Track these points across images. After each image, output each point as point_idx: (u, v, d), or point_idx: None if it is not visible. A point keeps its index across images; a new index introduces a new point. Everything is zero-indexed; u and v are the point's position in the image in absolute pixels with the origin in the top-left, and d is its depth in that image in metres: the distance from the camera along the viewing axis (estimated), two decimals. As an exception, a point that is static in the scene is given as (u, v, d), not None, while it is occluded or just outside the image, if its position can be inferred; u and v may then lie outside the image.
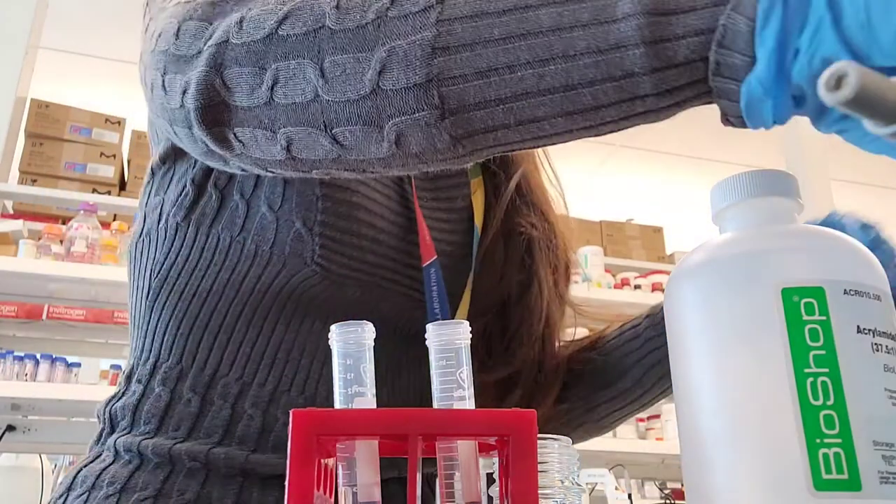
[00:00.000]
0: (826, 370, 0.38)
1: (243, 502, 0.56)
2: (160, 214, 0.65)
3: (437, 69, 0.41)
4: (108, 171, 2.99)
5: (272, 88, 0.47)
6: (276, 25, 0.47)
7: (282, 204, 0.60)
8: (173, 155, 0.66)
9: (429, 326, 0.37)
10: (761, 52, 0.35)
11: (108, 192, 2.91)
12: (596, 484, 2.42)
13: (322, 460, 0.36)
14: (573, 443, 0.43)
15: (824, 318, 0.39)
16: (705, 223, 0.48)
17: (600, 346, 0.75)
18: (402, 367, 0.66)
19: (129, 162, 3.12)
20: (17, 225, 2.49)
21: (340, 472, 0.35)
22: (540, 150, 0.77)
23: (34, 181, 2.87)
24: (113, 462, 0.59)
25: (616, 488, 2.52)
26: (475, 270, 0.71)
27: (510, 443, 0.34)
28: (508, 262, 0.72)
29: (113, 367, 2.91)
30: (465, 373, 0.36)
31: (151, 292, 0.63)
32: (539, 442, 0.35)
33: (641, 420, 2.86)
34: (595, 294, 2.65)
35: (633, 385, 0.72)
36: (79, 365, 2.67)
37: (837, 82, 0.32)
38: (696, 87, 0.38)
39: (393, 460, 0.36)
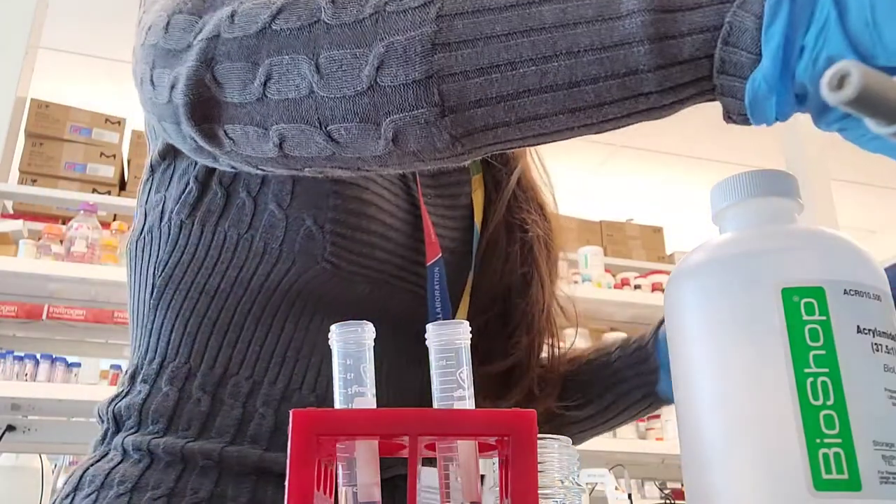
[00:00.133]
0: (826, 370, 0.38)
1: (258, 500, 0.56)
2: (162, 212, 0.64)
3: (437, 66, 0.40)
4: (108, 171, 2.99)
5: (265, 84, 0.46)
6: (270, 20, 0.46)
7: (291, 201, 0.60)
8: (173, 151, 0.64)
9: (429, 326, 0.37)
10: (767, 49, 0.34)
11: (108, 192, 2.90)
12: (596, 484, 2.42)
13: (322, 460, 0.36)
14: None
15: (824, 318, 0.39)
16: (705, 223, 0.48)
17: (575, 367, 0.76)
18: (407, 364, 0.66)
19: (129, 162, 3.12)
20: (17, 225, 2.49)
21: (340, 472, 0.35)
22: (532, 148, 0.78)
23: (34, 181, 2.87)
24: (122, 461, 0.59)
25: (616, 488, 2.52)
26: (475, 269, 0.71)
27: (510, 443, 0.34)
28: (510, 256, 0.73)
29: (113, 367, 2.90)
30: (465, 373, 0.36)
31: (156, 291, 0.63)
32: (539, 442, 0.35)
33: (641, 420, 2.86)
34: (595, 294, 2.65)
35: (598, 412, 0.74)
36: (79, 365, 2.67)
37: (840, 82, 0.32)
38: (700, 84, 0.38)
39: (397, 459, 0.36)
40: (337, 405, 0.36)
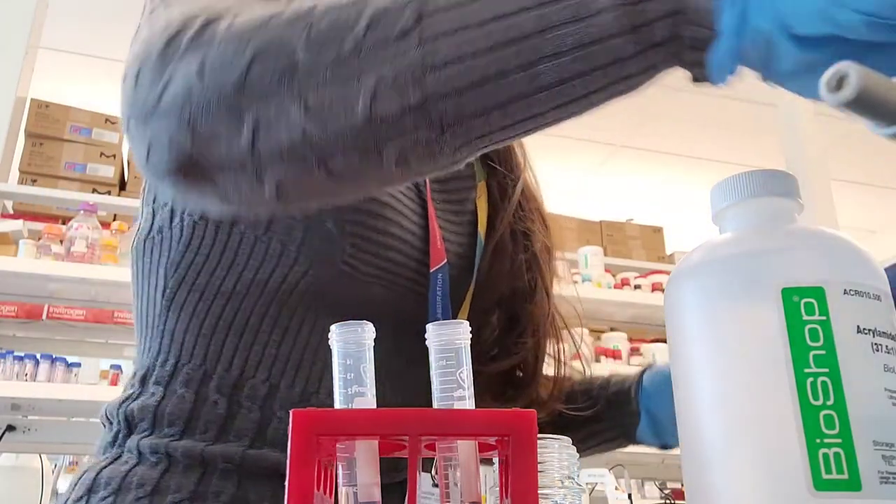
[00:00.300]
0: (826, 370, 0.38)
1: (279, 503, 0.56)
2: (172, 211, 0.63)
3: (430, 88, 0.41)
4: (108, 171, 2.99)
5: (254, 136, 0.44)
6: (245, 70, 0.44)
7: None
8: None
9: (429, 326, 0.37)
10: (724, 25, 0.39)
11: (108, 192, 2.90)
12: (596, 484, 2.42)
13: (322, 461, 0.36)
14: None
15: (824, 318, 0.39)
16: (705, 223, 0.48)
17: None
18: (413, 365, 0.66)
19: (129, 162, 3.12)
20: (17, 225, 2.49)
21: (340, 472, 0.35)
22: (528, 157, 0.79)
23: (34, 181, 2.86)
24: (138, 464, 0.58)
25: (616, 488, 2.52)
26: (477, 276, 0.71)
27: (510, 443, 0.34)
28: (516, 263, 0.74)
29: (113, 367, 2.90)
30: (465, 373, 0.36)
31: (168, 291, 0.62)
32: (539, 442, 0.35)
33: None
34: (595, 294, 2.65)
35: (574, 444, 0.76)
36: (79, 365, 2.66)
37: (839, 83, 0.32)
38: (671, 61, 0.41)
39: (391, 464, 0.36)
40: (337, 405, 0.36)
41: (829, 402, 0.38)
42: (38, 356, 2.48)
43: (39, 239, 2.29)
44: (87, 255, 2.14)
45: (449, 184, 0.70)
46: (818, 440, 0.37)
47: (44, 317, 2.54)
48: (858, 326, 0.39)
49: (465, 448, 0.35)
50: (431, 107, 0.41)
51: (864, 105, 0.33)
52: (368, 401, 0.36)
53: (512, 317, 0.75)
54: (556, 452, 0.41)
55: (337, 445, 0.35)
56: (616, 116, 4.20)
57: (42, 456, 2.38)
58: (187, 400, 0.60)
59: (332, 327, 0.37)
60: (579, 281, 2.69)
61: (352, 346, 0.36)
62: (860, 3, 0.35)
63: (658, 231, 3.76)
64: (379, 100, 0.42)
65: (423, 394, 0.65)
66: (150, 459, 0.58)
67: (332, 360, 0.36)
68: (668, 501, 2.54)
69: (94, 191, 2.87)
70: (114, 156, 3.02)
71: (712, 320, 0.42)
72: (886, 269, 0.43)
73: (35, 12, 2.78)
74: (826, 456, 0.37)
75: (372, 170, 0.45)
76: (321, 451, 0.35)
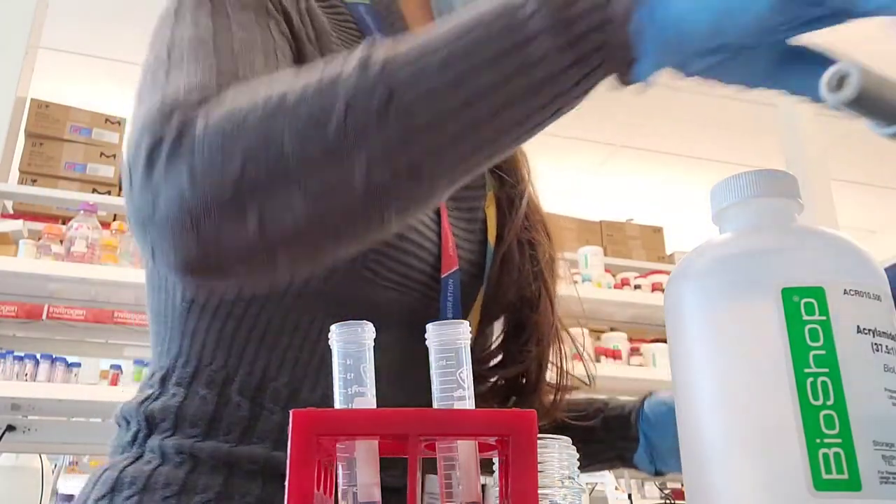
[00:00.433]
0: (826, 370, 0.38)
1: None
2: None
3: (416, 152, 0.44)
4: (108, 171, 2.99)
5: (260, 226, 0.46)
6: (240, 171, 0.45)
7: None
8: None
9: (429, 326, 0.37)
10: (641, 39, 0.42)
11: (108, 192, 2.90)
12: (596, 484, 2.42)
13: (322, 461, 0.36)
14: None
15: (824, 318, 0.39)
16: (705, 223, 0.48)
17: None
18: (426, 368, 0.66)
19: (129, 162, 3.12)
20: (17, 225, 2.49)
21: (340, 472, 0.35)
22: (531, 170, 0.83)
23: (34, 181, 2.86)
24: (162, 464, 0.59)
25: (616, 488, 2.52)
26: (487, 284, 0.73)
27: (510, 443, 0.34)
28: (523, 272, 0.75)
29: (113, 367, 2.90)
30: (465, 373, 0.36)
31: (188, 294, 0.63)
32: (539, 442, 0.35)
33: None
34: (595, 294, 2.65)
35: None
36: (79, 365, 2.66)
37: (840, 83, 0.32)
38: (601, 70, 0.44)
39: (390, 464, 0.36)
40: (337, 405, 0.36)
41: (829, 402, 0.38)
42: (38, 356, 2.48)
43: (39, 239, 2.29)
44: (87, 255, 2.14)
45: (461, 192, 0.71)
46: (818, 440, 0.37)
47: (44, 317, 2.54)
48: (858, 326, 0.39)
49: (465, 448, 0.35)
50: (420, 166, 0.45)
51: (865, 105, 0.33)
52: (368, 401, 0.36)
53: (517, 325, 0.76)
54: (556, 452, 0.41)
55: (337, 445, 0.35)
56: (616, 116, 4.21)
57: (42, 456, 2.38)
58: (210, 401, 0.60)
59: (332, 327, 0.37)
60: (579, 281, 2.70)
61: (352, 346, 0.36)
62: (744, 21, 0.39)
63: (658, 231, 3.76)
64: (373, 173, 0.45)
65: (425, 396, 0.66)
66: (174, 459, 0.59)
67: (332, 359, 0.36)
68: (668, 501, 2.54)
69: (94, 191, 2.87)
70: (114, 156, 3.02)
71: (712, 320, 0.42)
72: (886, 269, 0.43)
73: (35, 12, 2.78)
74: (826, 456, 0.37)
75: (375, 230, 0.49)
76: (321, 451, 0.35)
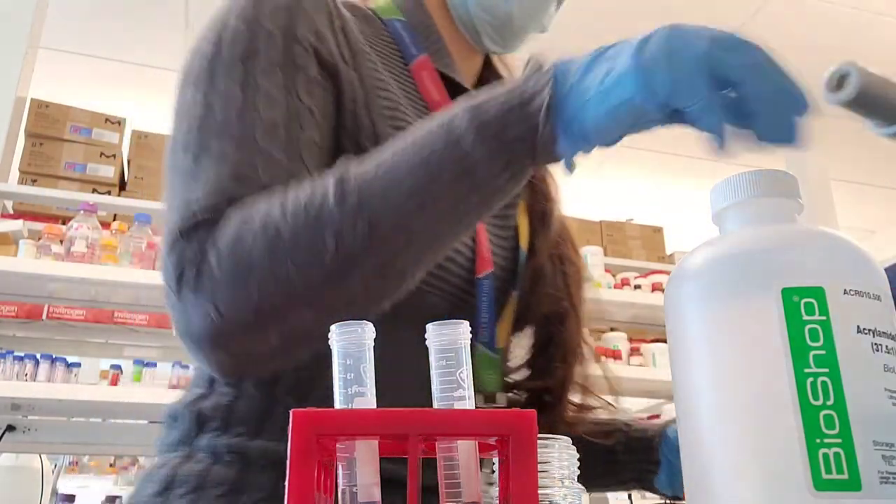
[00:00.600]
0: (826, 370, 0.38)
1: None
2: None
3: (398, 263, 0.55)
4: (108, 171, 2.99)
5: (280, 337, 0.55)
6: (257, 303, 0.54)
7: None
8: None
9: (429, 326, 0.37)
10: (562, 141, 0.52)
11: (108, 192, 2.90)
12: (596, 484, 2.41)
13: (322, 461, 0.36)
14: None
15: (824, 318, 0.39)
16: (705, 223, 0.48)
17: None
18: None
19: (129, 162, 3.12)
20: (17, 225, 2.49)
21: (340, 472, 0.35)
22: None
23: (34, 181, 2.86)
24: (214, 463, 0.61)
25: (616, 488, 2.51)
26: (520, 288, 0.75)
27: (510, 443, 0.34)
28: (554, 286, 0.78)
29: (113, 366, 2.90)
30: (465, 373, 0.36)
31: None
32: (539, 442, 0.35)
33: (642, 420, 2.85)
34: (595, 294, 2.64)
35: (588, 478, 0.81)
36: (79, 365, 2.66)
37: (840, 83, 0.32)
38: (530, 170, 0.55)
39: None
40: (337, 405, 0.36)
41: (829, 402, 0.38)
42: (38, 356, 2.48)
43: (39, 239, 2.28)
44: (87, 255, 2.14)
45: None
46: (818, 440, 0.37)
47: (44, 317, 2.54)
48: (858, 326, 0.39)
49: (465, 448, 0.35)
50: (403, 270, 0.56)
51: (865, 105, 0.33)
52: (368, 401, 0.36)
53: (546, 340, 0.78)
54: (556, 452, 0.41)
55: (337, 445, 0.35)
56: (616, 116, 4.19)
57: (42, 456, 2.38)
58: (259, 401, 0.62)
59: (332, 327, 0.37)
60: (580, 281, 2.69)
61: (352, 346, 0.36)
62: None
63: (658, 231, 3.76)
64: (371, 286, 0.55)
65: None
66: (225, 458, 0.61)
67: (332, 359, 0.36)
68: (668, 501, 2.54)
69: (94, 191, 2.87)
70: (114, 156, 3.02)
71: (712, 320, 0.42)
72: (886, 269, 0.43)
73: (35, 12, 2.78)
74: (826, 456, 0.37)
75: (378, 310, 0.57)
76: (321, 451, 0.35)
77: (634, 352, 2.84)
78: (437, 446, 0.35)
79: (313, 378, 0.61)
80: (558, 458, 0.41)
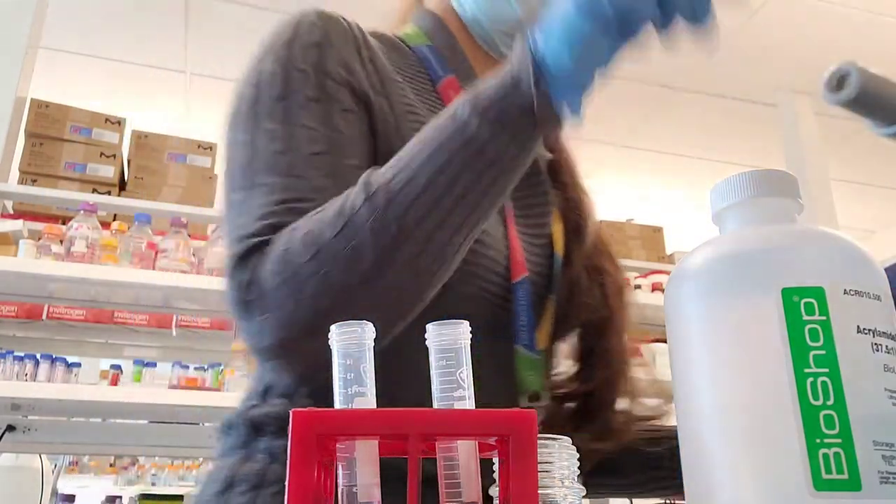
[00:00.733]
0: (826, 370, 0.38)
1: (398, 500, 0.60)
2: None
3: (431, 257, 0.58)
4: (108, 171, 2.99)
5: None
6: (312, 314, 0.57)
7: None
8: None
9: (429, 326, 0.37)
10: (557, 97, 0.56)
11: (108, 192, 2.90)
12: (596, 484, 2.41)
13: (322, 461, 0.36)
14: None
15: (824, 318, 0.39)
16: (705, 223, 0.48)
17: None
18: (502, 374, 0.72)
19: (129, 162, 3.12)
20: (17, 225, 2.49)
21: (340, 472, 0.35)
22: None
23: (34, 181, 2.86)
24: (271, 463, 0.65)
25: (616, 488, 2.51)
26: (556, 295, 0.77)
27: (510, 443, 0.34)
28: (591, 296, 0.80)
29: (113, 366, 2.90)
30: (465, 373, 0.36)
31: None
32: (539, 442, 0.35)
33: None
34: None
35: (631, 483, 0.84)
36: (79, 365, 2.67)
37: (840, 83, 0.32)
38: (539, 136, 0.59)
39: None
40: (337, 405, 0.36)
41: (829, 402, 0.38)
42: (38, 356, 2.49)
43: (39, 239, 2.28)
44: (87, 255, 2.14)
45: (527, 210, 0.79)
46: (818, 440, 0.37)
47: (44, 317, 2.54)
48: (858, 326, 0.39)
49: (465, 448, 0.35)
50: (434, 262, 0.59)
51: (865, 105, 0.33)
52: (368, 401, 0.36)
53: (588, 348, 0.81)
54: (556, 452, 0.41)
55: (337, 445, 0.35)
56: (616, 116, 4.21)
57: (42, 456, 2.38)
58: (313, 407, 0.65)
59: (332, 327, 0.37)
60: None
61: (352, 346, 0.36)
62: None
63: (658, 231, 3.76)
64: (414, 277, 0.59)
65: (510, 404, 0.70)
66: (281, 458, 0.64)
67: (332, 359, 0.36)
68: (668, 501, 2.54)
69: (94, 191, 2.87)
70: (114, 156, 3.02)
71: (712, 320, 0.42)
72: (886, 269, 0.43)
73: (35, 12, 2.78)
74: (826, 456, 0.37)
75: (423, 302, 0.61)
76: (321, 451, 0.35)
77: (634, 352, 2.83)
78: (437, 446, 0.35)
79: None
80: (558, 458, 0.41)
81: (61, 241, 2.19)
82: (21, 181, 2.86)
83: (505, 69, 0.59)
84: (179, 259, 2.16)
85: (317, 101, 0.67)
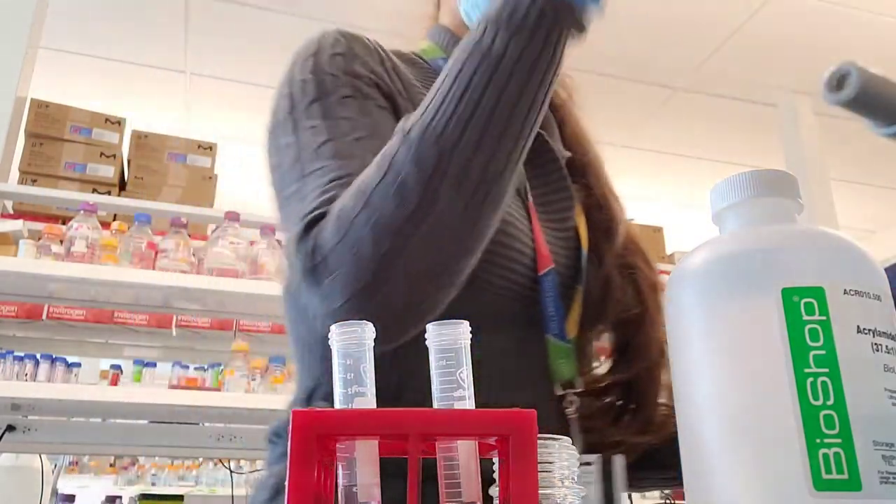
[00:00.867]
0: (826, 370, 0.38)
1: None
2: None
3: (480, 169, 0.58)
4: (108, 171, 2.99)
5: (406, 281, 0.58)
6: (376, 264, 0.58)
7: None
8: None
9: (429, 326, 0.37)
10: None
11: (108, 192, 2.90)
12: (596, 484, 2.41)
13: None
14: None
15: (824, 318, 0.39)
16: (705, 223, 0.48)
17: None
18: (532, 366, 0.73)
19: (129, 162, 3.12)
20: (17, 225, 2.49)
21: (340, 472, 0.35)
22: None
23: (34, 181, 2.86)
24: None
25: (616, 488, 2.51)
26: (584, 288, 0.78)
27: (510, 443, 0.34)
28: (624, 294, 0.82)
29: (113, 367, 2.90)
30: (465, 373, 0.36)
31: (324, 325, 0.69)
32: (539, 442, 0.35)
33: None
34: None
35: (675, 478, 0.83)
36: (79, 365, 2.67)
37: (839, 82, 0.32)
38: (562, 36, 0.60)
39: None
40: (337, 405, 0.36)
41: (829, 402, 0.38)
42: (38, 356, 2.49)
43: (39, 239, 2.28)
44: (87, 255, 2.14)
45: (550, 206, 0.80)
46: (818, 440, 0.37)
47: (44, 317, 2.54)
48: (858, 326, 0.39)
49: (465, 448, 0.35)
50: (488, 174, 0.59)
51: (865, 105, 0.33)
52: (368, 401, 0.36)
53: (623, 343, 0.82)
54: (556, 452, 0.41)
55: (337, 445, 0.35)
56: (616, 116, 4.21)
57: (42, 456, 2.38)
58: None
59: (332, 327, 0.37)
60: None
61: (352, 346, 0.36)
62: None
63: (658, 231, 3.76)
64: (465, 202, 0.58)
65: (547, 394, 0.72)
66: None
67: (332, 359, 0.36)
68: (668, 501, 2.53)
69: (94, 191, 2.88)
70: (114, 156, 3.02)
71: (712, 320, 0.42)
72: (886, 269, 0.43)
73: (35, 12, 2.78)
74: (826, 456, 0.37)
75: (482, 234, 0.61)
76: (321, 451, 0.35)
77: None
78: (437, 446, 0.35)
79: (400, 388, 0.62)
80: (558, 458, 0.41)
81: (61, 241, 2.19)
82: (21, 181, 2.86)
83: None
84: (179, 259, 2.16)
85: (352, 97, 0.70)
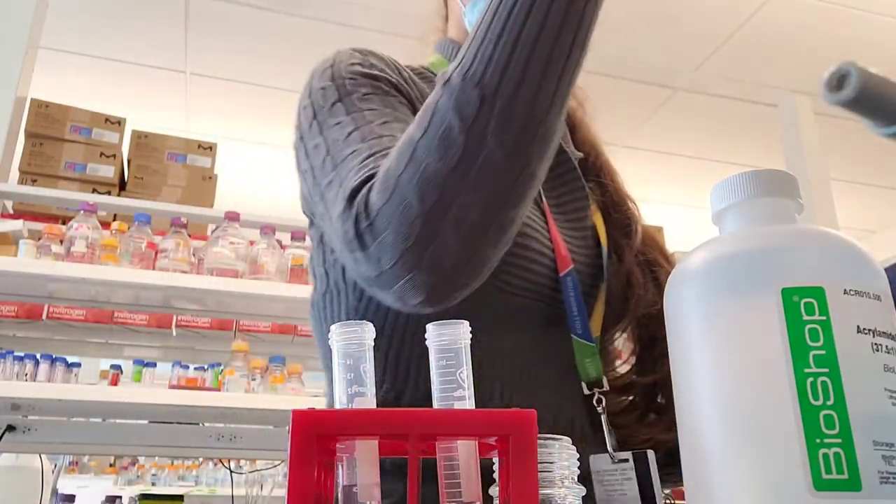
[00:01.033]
0: (826, 370, 0.38)
1: None
2: (343, 268, 0.74)
3: (529, 117, 0.57)
4: (108, 171, 2.99)
5: (456, 236, 0.57)
6: (421, 223, 0.56)
7: None
8: None
9: (429, 326, 0.37)
10: None
11: (108, 192, 2.90)
12: (596, 484, 2.41)
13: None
14: None
15: (824, 318, 0.39)
16: (705, 223, 0.48)
17: None
18: (563, 368, 0.74)
19: (129, 162, 3.12)
20: (17, 225, 2.49)
21: (340, 472, 0.35)
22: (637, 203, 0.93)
23: (34, 181, 2.86)
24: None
25: (616, 488, 2.51)
26: (608, 287, 0.79)
27: (510, 443, 0.34)
28: (646, 290, 0.82)
29: (113, 367, 2.90)
30: (465, 373, 0.36)
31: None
32: (539, 442, 0.35)
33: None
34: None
35: None
36: (79, 365, 2.67)
37: (840, 82, 0.32)
38: None
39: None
40: (337, 405, 0.36)
41: (829, 402, 0.38)
42: (38, 356, 2.48)
43: (39, 239, 2.28)
44: (87, 255, 2.13)
45: (564, 206, 0.81)
46: (818, 440, 0.37)
47: (44, 317, 2.54)
48: (858, 326, 0.39)
49: (465, 448, 0.35)
50: (532, 116, 0.56)
51: (865, 105, 0.33)
52: (368, 401, 0.36)
53: (648, 338, 0.82)
54: (556, 452, 0.41)
55: (337, 445, 0.35)
56: (616, 116, 4.21)
57: (42, 456, 2.38)
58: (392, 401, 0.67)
59: (333, 327, 0.37)
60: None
61: (352, 346, 0.36)
62: None
63: (658, 231, 3.76)
64: (510, 146, 0.56)
65: (572, 393, 0.73)
66: (385, 467, 0.66)
67: (333, 360, 0.36)
68: (668, 501, 2.54)
69: (94, 191, 2.87)
70: (114, 156, 3.02)
71: (712, 320, 0.42)
72: (886, 269, 0.43)
73: (35, 12, 2.78)
74: (826, 456, 0.37)
75: (531, 180, 0.59)
76: (321, 451, 0.35)
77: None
78: (437, 446, 0.35)
79: (429, 393, 0.63)
80: (558, 458, 0.41)
81: (61, 241, 2.19)
82: (21, 181, 2.86)
83: None
84: (179, 259, 2.16)
85: (374, 94, 0.71)
